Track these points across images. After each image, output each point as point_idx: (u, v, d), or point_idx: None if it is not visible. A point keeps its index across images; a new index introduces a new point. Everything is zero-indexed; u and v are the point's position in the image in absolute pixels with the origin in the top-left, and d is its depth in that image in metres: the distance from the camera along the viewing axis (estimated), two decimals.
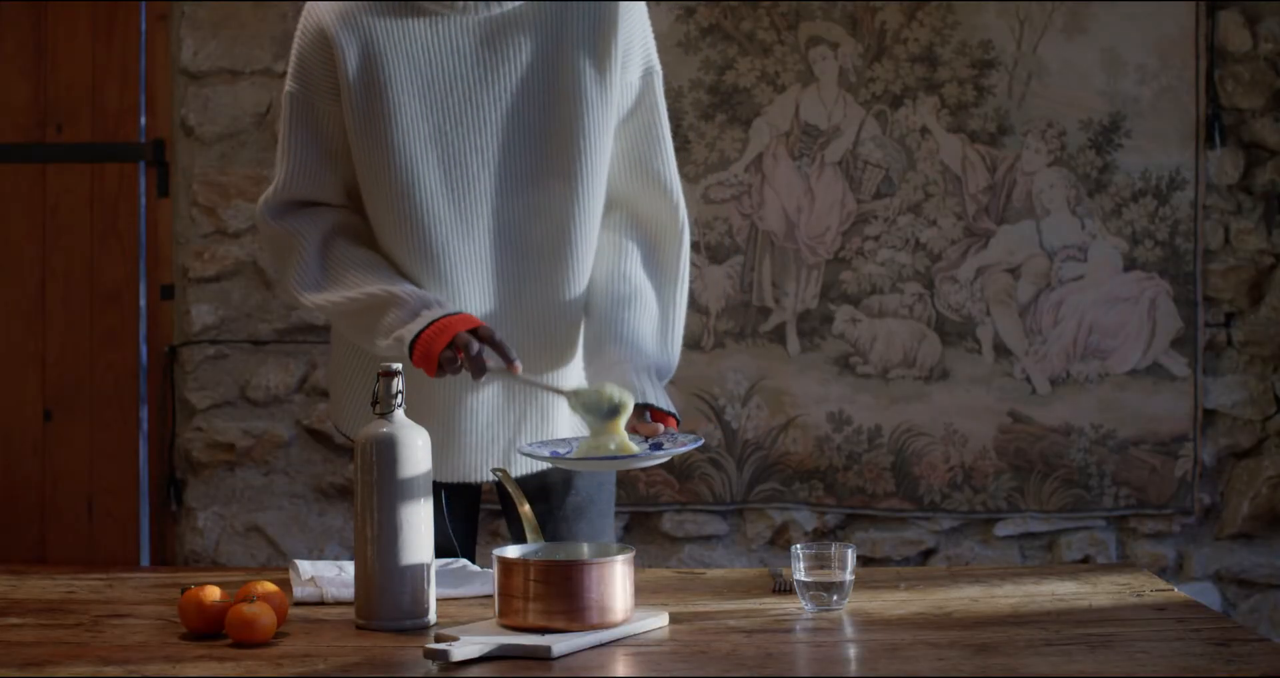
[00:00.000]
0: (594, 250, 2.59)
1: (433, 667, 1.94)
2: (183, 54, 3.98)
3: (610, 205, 2.62)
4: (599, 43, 2.51)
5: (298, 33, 2.53)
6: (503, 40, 2.49)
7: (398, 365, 2.18)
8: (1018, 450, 3.88)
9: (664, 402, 2.45)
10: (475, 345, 2.35)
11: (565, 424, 2.61)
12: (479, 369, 2.35)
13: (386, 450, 2.14)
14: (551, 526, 2.64)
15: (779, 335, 3.88)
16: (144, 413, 3.99)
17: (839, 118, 3.87)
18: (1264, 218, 3.89)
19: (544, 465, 2.60)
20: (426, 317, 2.39)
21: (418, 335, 2.37)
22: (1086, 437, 3.87)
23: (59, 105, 3.97)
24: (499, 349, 2.36)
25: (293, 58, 2.53)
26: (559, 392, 2.39)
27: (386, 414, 2.16)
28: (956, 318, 3.88)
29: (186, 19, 3.98)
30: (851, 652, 2.05)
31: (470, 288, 2.51)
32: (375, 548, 2.13)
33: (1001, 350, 3.88)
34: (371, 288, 2.46)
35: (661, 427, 2.42)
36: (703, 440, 2.38)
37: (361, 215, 2.57)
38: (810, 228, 3.88)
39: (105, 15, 3.96)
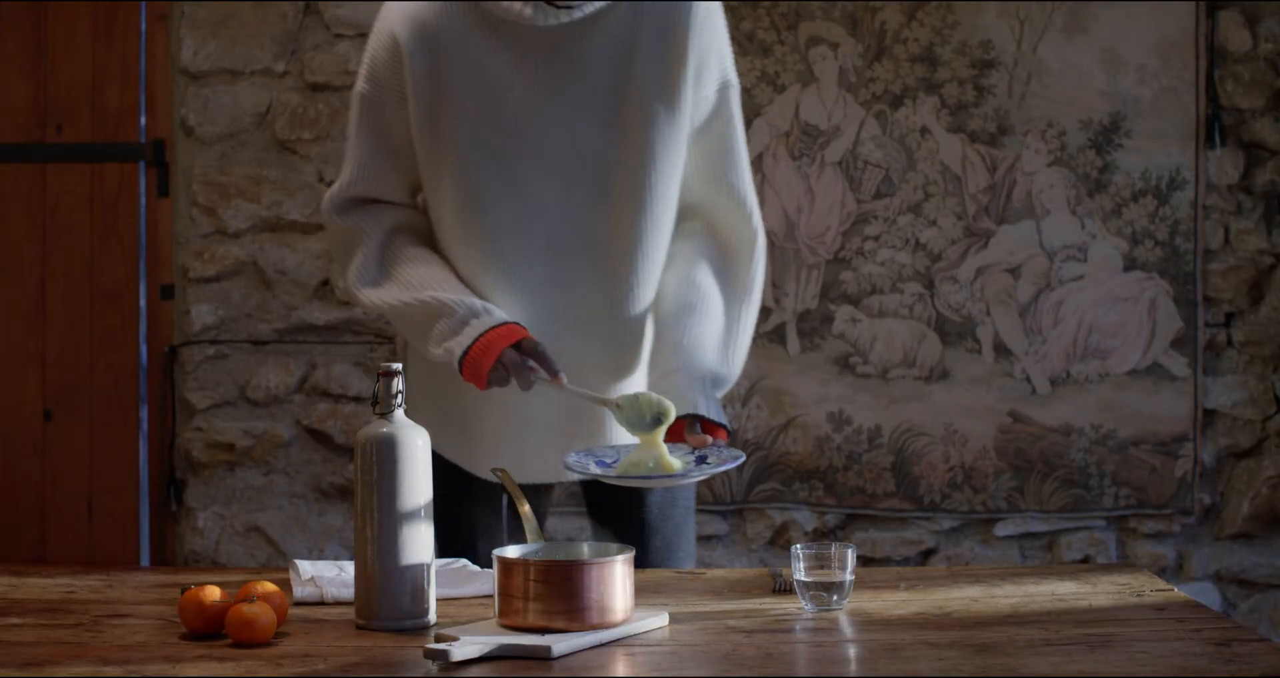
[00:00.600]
0: (660, 264, 2.58)
1: (433, 667, 1.94)
2: (183, 54, 3.98)
3: (685, 213, 2.61)
4: (671, 58, 2.50)
5: (372, 33, 2.55)
6: (572, 50, 2.49)
7: (397, 366, 2.18)
8: (1018, 450, 3.88)
9: (715, 413, 2.45)
10: (521, 361, 2.38)
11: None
12: (526, 383, 2.39)
13: (386, 450, 2.14)
14: (629, 539, 2.61)
15: (779, 335, 3.88)
16: (144, 413, 3.99)
17: (839, 118, 3.87)
18: (1264, 218, 3.89)
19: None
20: (474, 328, 2.42)
21: (466, 352, 2.40)
22: (1086, 437, 3.87)
23: (59, 105, 3.97)
24: (543, 362, 2.39)
25: (365, 58, 2.55)
26: (603, 402, 2.39)
27: (386, 414, 2.16)
28: (956, 318, 3.88)
29: (186, 19, 3.98)
30: (851, 652, 2.05)
31: (529, 297, 2.52)
32: (375, 548, 2.13)
33: (1001, 350, 3.88)
34: (423, 294, 2.48)
35: (709, 439, 2.41)
36: (743, 457, 2.38)
37: (424, 214, 2.59)
38: (810, 228, 3.88)
39: (105, 15, 3.96)
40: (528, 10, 2.45)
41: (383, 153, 2.54)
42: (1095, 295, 3.87)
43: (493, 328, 2.41)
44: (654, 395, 2.34)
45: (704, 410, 2.43)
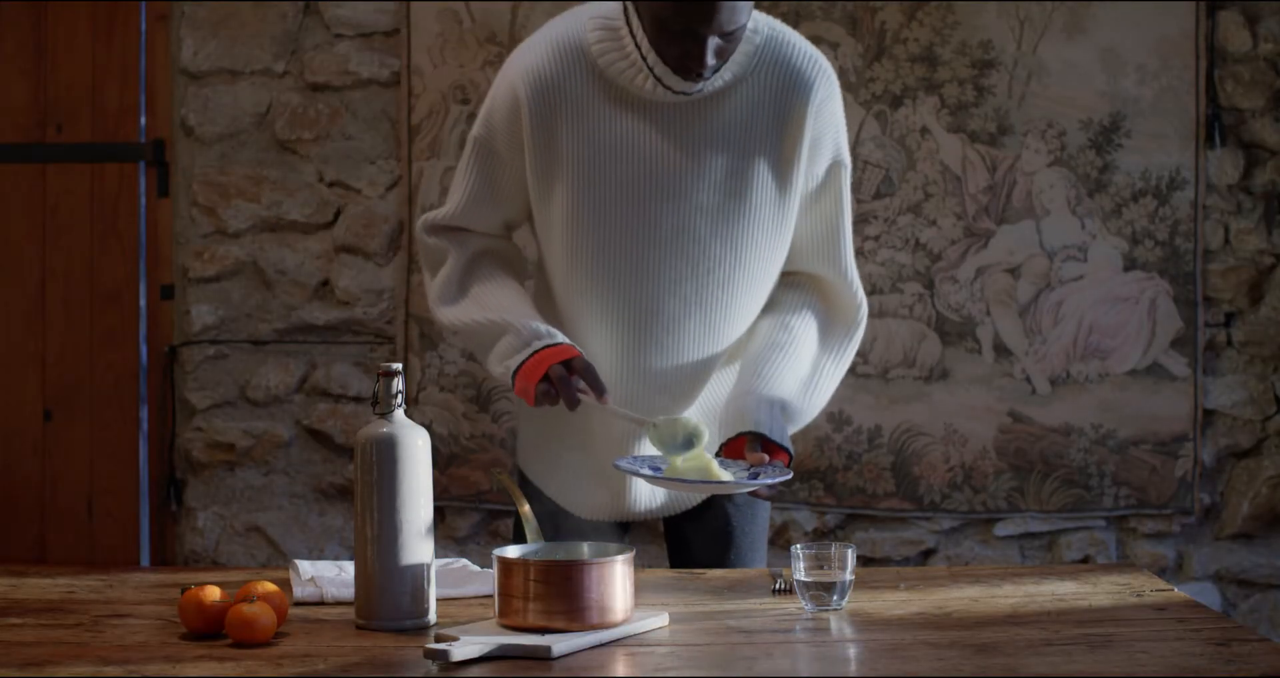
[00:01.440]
0: (744, 332, 2.65)
1: (433, 667, 1.94)
2: (183, 54, 3.98)
3: (793, 272, 2.68)
4: (787, 138, 2.56)
5: (496, 80, 2.61)
6: (689, 124, 2.54)
7: (397, 366, 2.18)
8: (1018, 450, 3.88)
9: (778, 435, 2.49)
10: (567, 377, 2.43)
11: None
12: (570, 399, 2.43)
13: (386, 450, 2.14)
14: (701, 552, 2.71)
15: None
16: (144, 413, 3.99)
17: None
18: (1264, 218, 3.89)
19: (697, 498, 2.69)
20: (531, 348, 2.48)
21: (518, 368, 2.47)
22: (1086, 437, 3.87)
23: (59, 105, 3.97)
24: (590, 380, 2.44)
25: (485, 104, 2.62)
26: (641, 422, 2.42)
27: (386, 414, 2.16)
28: (956, 318, 3.88)
29: (186, 19, 3.98)
30: (851, 652, 2.05)
31: (611, 355, 2.59)
32: (375, 548, 2.13)
33: (1001, 350, 3.88)
34: (494, 314, 2.56)
35: (766, 457, 2.44)
36: (790, 474, 2.41)
37: (512, 243, 2.69)
38: None
39: (105, 15, 3.96)
40: (647, 85, 2.50)
41: (487, 194, 2.62)
42: (1095, 295, 3.87)
43: (549, 347, 2.48)
44: (690, 419, 2.38)
45: (766, 430, 2.48)
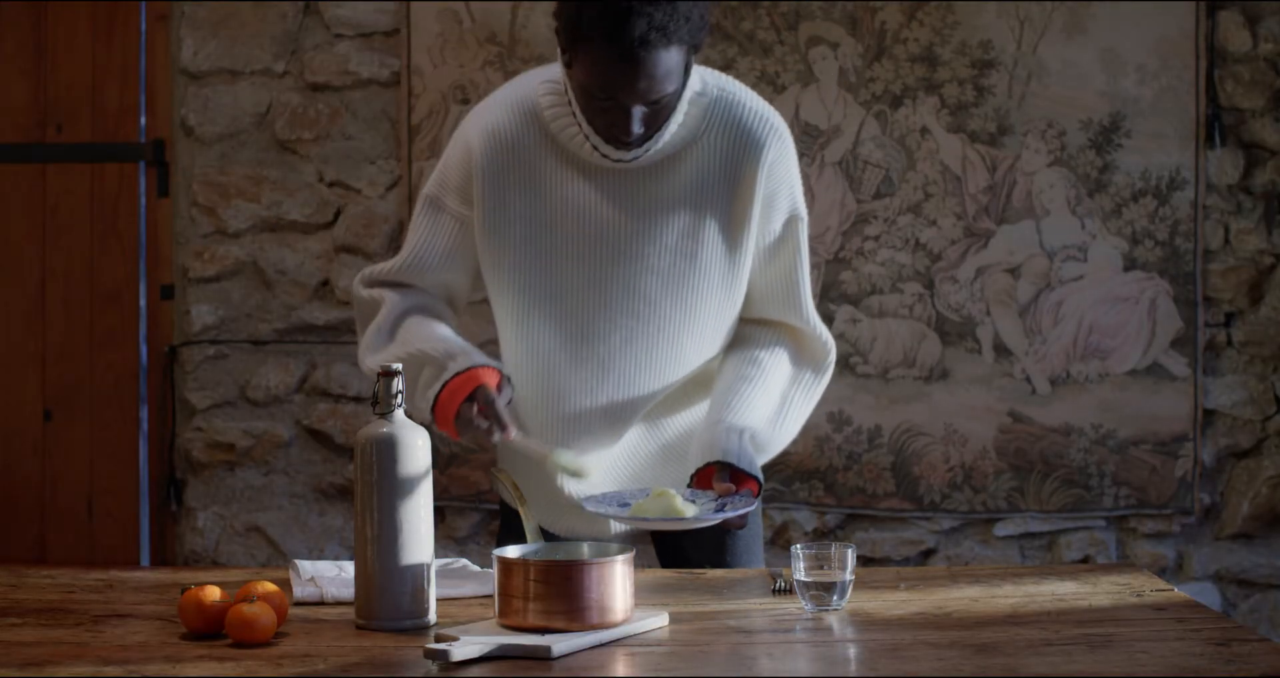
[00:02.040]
0: (705, 382, 2.66)
1: (433, 667, 1.94)
2: (183, 54, 3.98)
3: (758, 315, 2.68)
4: (738, 198, 2.56)
5: (452, 139, 2.60)
6: (641, 187, 2.54)
7: (397, 366, 2.18)
8: (1018, 450, 3.88)
9: (746, 463, 2.49)
10: (473, 418, 2.39)
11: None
12: (486, 442, 2.41)
13: (386, 450, 2.14)
14: (696, 559, 2.71)
15: None
16: (144, 413, 3.99)
17: (839, 118, 3.87)
18: (1264, 218, 3.89)
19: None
20: (442, 380, 2.44)
21: (434, 404, 2.44)
22: (1086, 437, 3.87)
23: (59, 105, 3.97)
24: (491, 414, 2.39)
25: (441, 161, 2.62)
26: (542, 456, 2.41)
27: (386, 414, 2.16)
28: (956, 318, 3.88)
29: (186, 19, 3.98)
30: (851, 652, 2.05)
31: (558, 404, 2.59)
32: (375, 548, 2.13)
33: (1001, 350, 3.88)
34: (413, 347, 2.53)
35: (733, 488, 2.46)
36: (755, 504, 2.45)
37: (450, 306, 2.68)
38: (810, 228, 3.87)
39: (105, 15, 3.96)
40: (587, 150, 2.50)
41: (433, 252, 2.62)
42: (1095, 295, 3.87)
43: (456, 375, 2.43)
44: (566, 459, 2.39)
45: (734, 459, 2.49)
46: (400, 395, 2.18)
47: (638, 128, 2.44)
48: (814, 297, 2.71)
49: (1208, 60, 3.84)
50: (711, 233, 2.56)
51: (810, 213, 3.88)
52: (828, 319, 3.87)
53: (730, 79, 2.61)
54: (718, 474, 2.49)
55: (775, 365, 2.65)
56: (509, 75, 3.87)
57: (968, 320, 3.88)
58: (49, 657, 1.98)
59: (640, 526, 2.44)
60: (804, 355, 2.68)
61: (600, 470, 2.60)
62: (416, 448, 2.16)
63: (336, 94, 3.96)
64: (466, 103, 3.89)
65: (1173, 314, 3.87)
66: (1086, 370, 3.87)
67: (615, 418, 2.61)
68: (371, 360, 2.56)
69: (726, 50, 3.86)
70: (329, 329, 3.98)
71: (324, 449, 4.00)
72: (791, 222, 2.62)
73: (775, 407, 2.63)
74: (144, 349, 4.00)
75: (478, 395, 2.40)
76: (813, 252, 3.88)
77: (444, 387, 2.43)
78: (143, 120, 3.98)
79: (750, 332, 2.68)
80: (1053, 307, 3.88)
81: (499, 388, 2.42)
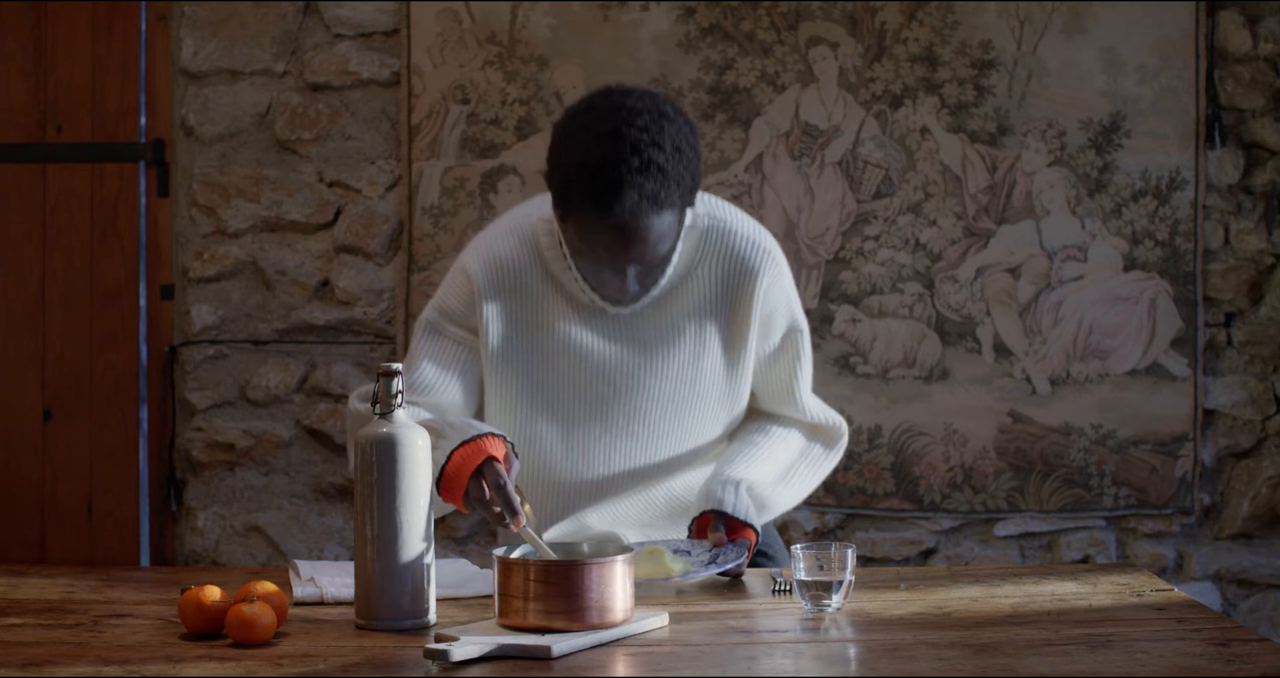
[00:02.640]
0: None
1: (433, 667, 1.94)
2: (183, 54, 3.98)
3: (760, 409, 2.74)
4: (735, 324, 2.60)
5: (451, 269, 2.63)
6: (640, 324, 2.57)
7: (397, 366, 2.18)
8: (1018, 450, 3.88)
9: (741, 512, 2.52)
10: (485, 501, 2.32)
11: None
12: (498, 523, 2.34)
13: (386, 450, 2.14)
14: None
15: None
16: (144, 413, 3.99)
17: (839, 118, 3.87)
18: (1264, 218, 3.89)
19: None
20: (446, 449, 2.37)
21: (438, 481, 2.35)
22: (1086, 437, 3.87)
23: (59, 105, 3.97)
24: (503, 500, 2.31)
25: (440, 289, 2.63)
26: (544, 553, 2.29)
27: (386, 414, 2.16)
28: (956, 318, 3.88)
29: (186, 19, 3.98)
30: (851, 652, 2.05)
31: (576, 507, 2.64)
32: (375, 548, 2.13)
33: (1001, 350, 3.88)
34: (421, 418, 2.48)
35: (724, 538, 2.49)
36: (744, 557, 2.46)
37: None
38: (810, 228, 3.88)
39: (105, 15, 3.96)
40: (586, 298, 2.54)
41: (435, 375, 2.59)
42: (1095, 295, 3.87)
43: (462, 444, 2.35)
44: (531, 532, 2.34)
45: (728, 508, 2.52)
46: (400, 396, 2.18)
47: (634, 287, 2.48)
48: (810, 386, 2.75)
49: (1208, 60, 3.84)
50: (711, 359, 2.60)
51: (810, 213, 3.91)
52: (828, 319, 3.87)
53: (717, 201, 2.64)
54: (711, 524, 2.51)
55: (784, 437, 2.70)
56: (509, 75, 3.87)
57: (968, 320, 3.88)
58: (49, 657, 1.98)
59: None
60: (816, 434, 2.73)
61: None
62: (416, 448, 2.16)
63: (336, 94, 3.96)
64: (466, 103, 3.89)
65: (1173, 314, 3.87)
66: (1086, 370, 3.87)
67: (615, 516, 2.67)
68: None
69: (726, 50, 3.86)
70: (329, 329, 3.98)
71: (324, 449, 4.00)
72: (790, 334, 2.66)
73: (780, 469, 2.67)
74: (144, 349, 3.99)
75: (485, 472, 2.32)
76: (813, 251, 3.89)
77: (449, 458, 2.34)
78: (143, 120, 3.98)
79: (761, 414, 2.75)
80: (1053, 307, 3.88)
81: (506, 461, 2.36)
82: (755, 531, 2.54)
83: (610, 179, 2.33)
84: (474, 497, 2.31)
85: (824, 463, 2.74)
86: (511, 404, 2.60)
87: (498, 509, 2.29)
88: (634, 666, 1.98)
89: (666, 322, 2.58)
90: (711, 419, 2.65)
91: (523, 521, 2.29)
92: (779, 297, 2.63)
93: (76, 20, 3.96)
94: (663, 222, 2.39)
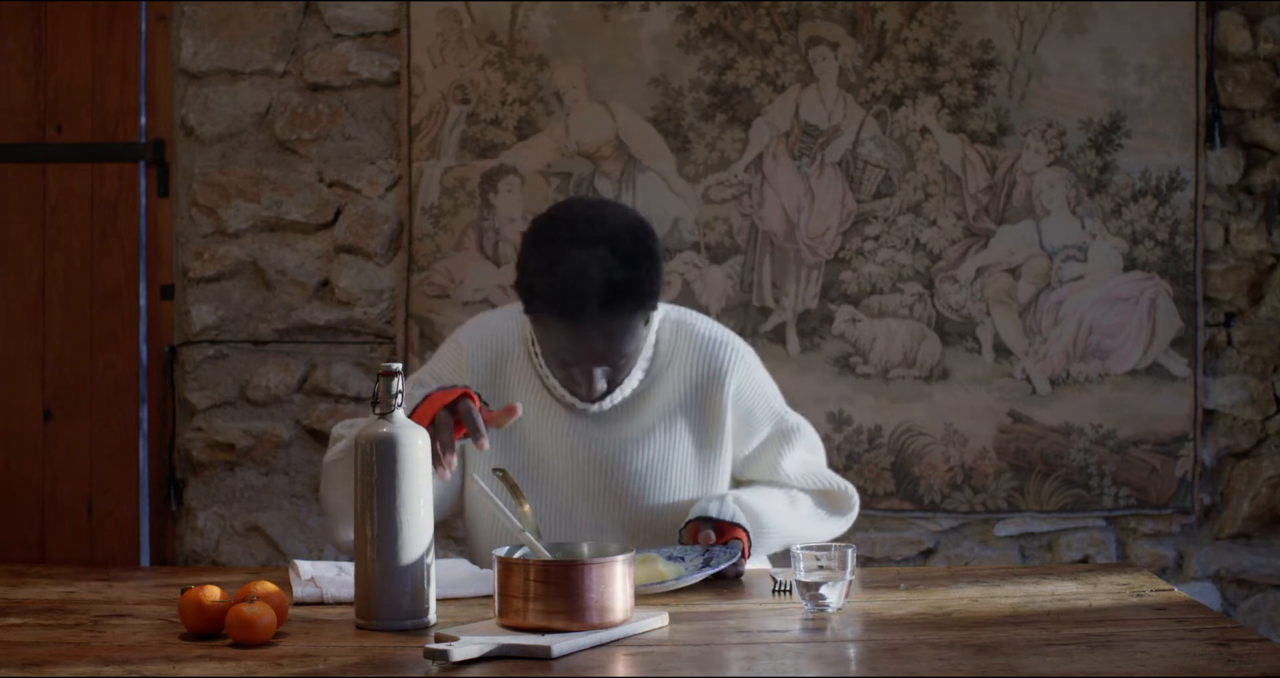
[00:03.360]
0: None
1: (433, 667, 1.94)
2: (183, 54, 3.98)
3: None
4: (709, 422, 2.69)
5: (448, 342, 2.74)
6: (613, 421, 2.65)
7: (397, 365, 2.18)
8: (1018, 450, 3.88)
9: (729, 515, 2.57)
10: (449, 421, 2.38)
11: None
12: (447, 444, 2.36)
13: (386, 450, 2.14)
14: None
15: (779, 335, 3.88)
16: (144, 413, 3.99)
17: (839, 118, 3.87)
18: (1264, 218, 3.89)
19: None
20: (419, 396, 2.50)
21: (411, 414, 2.39)
22: (1086, 437, 3.87)
23: (59, 105, 3.97)
24: (469, 424, 2.38)
25: (439, 358, 2.73)
26: (514, 524, 2.34)
27: (386, 414, 2.16)
28: (956, 318, 3.88)
29: (186, 19, 3.98)
30: (851, 652, 2.05)
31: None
32: (375, 548, 2.13)
33: (1001, 350, 3.88)
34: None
35: (712, 535, 2.54)
36: (737, 556, 2.49)
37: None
38: (810, 228, 3.88)
39: (105, 15, 3.96)
40: (566, 398, 2.63)
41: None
42: (1095, 295, 3.87)
43: (439, 390, 2.43)
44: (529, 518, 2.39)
45: (714, 513, 2.56)
46: (400, 395, 2.18)
47: (600, 386, 2.59)
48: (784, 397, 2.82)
49: (1208, 60, 3.84)
50: (682, 457, 2.68)
51: (810, 213, 3.91)
52: (828, 319, 3.87)
53: (684, 309, 2.77)
54: (700, 527, 2.56)
55: (798, 492, 2.76)
56: (509, 75, 3.88)
57: (968, 320, 3.88)
58: (49, 657, 1.98)
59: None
60: (828, 499, 2.79)
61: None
62: (416, 448, 2.16)
63: (336, 94, 3.96)
64: (466, 103, 3.89)
65: (1173, 314, 3.87)
66: (1086, 370, 3.87)
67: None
68: (331, 455, 2.61)
69: (726, 50, 3.86)
70: (329, 329, 3.99)
71: (324, 449, 4.00)
72: (773, 437, 2.74)
73: (785, 509, 2.71)
74: (144, 349, 3.99)
75: (459, 405, 2.39)
76: (813, 251, 3.89)
77: (426, 397, 2.40)
78: (143, 120, 3.98)
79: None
80: (1053, 307, 3.88)
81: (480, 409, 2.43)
82: (745, 531, 2.56)
83: (571, 289, 2.45)
84: (440, 419, 2.36)
85: (830, 523, 2.79)
86: (474, 489, 2.67)
87: (461, 432, 2.36)
88: (634, 666, 1.98)
89: (638, 421, 2.66)
90: (687, 496, 2.70)
91: (485, 444, 2.37)
92: (754, 393, 2.72)
93: (76, 20, 3.96)
94: (623, 326, 2.51)
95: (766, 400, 2.74)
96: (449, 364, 2.69)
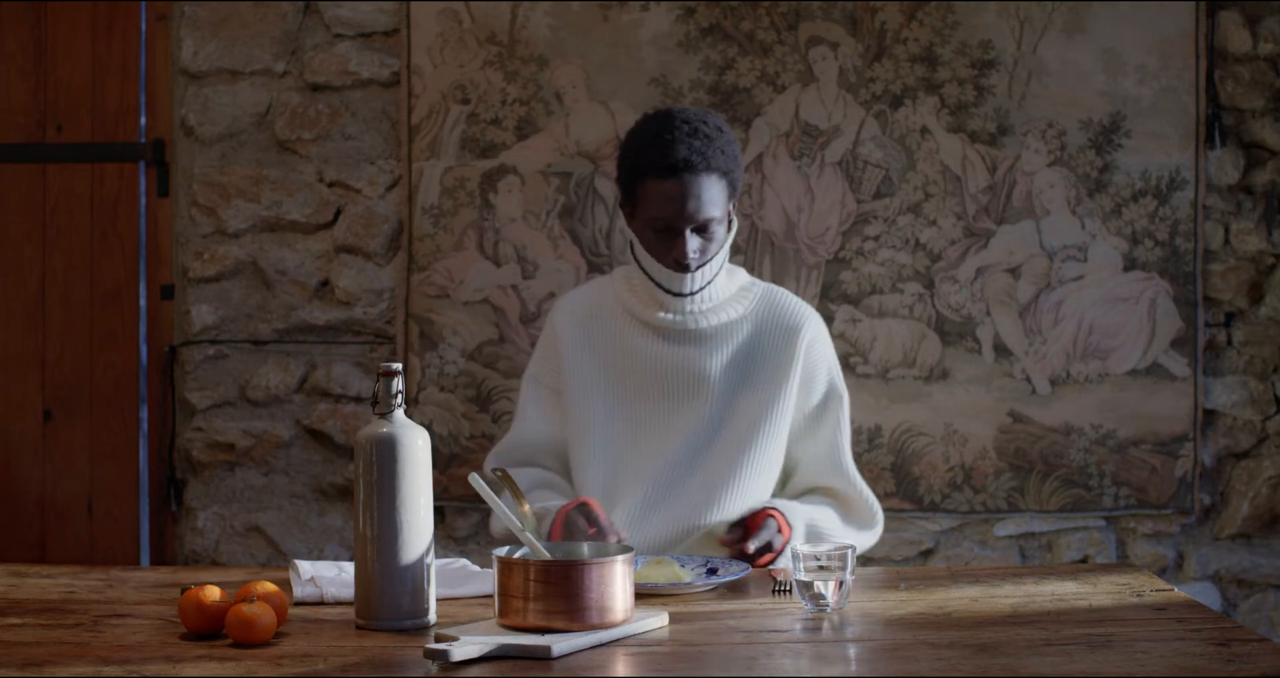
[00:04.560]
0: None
1: (433, 667, 1.94)
2: (183, 54, 3.98)
3: (809, 484, 3.10)
4: (781, 374, 3.04)
5: (549, 317, 3.18)
6: (697, 346, 3.03)
7: (397, 365, 2.19)
8: (1018, 450, 3.88)
9: (775, 504, 2.90)
10: (577, 521, 2.74)
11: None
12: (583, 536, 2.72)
13: (386, 450, 2.14)
14: None
15: None
16: (144, 413, 3.99)
17: (839, 118, 3.87)
18: (1264, 218, 3.89)
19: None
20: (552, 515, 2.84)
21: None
22: (1086, 437, 3.87)
23: (59, 105, 3.97)
24: (591, 522, 2.73)
25: (540, 340, 3.19)
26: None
27: (386, 414, 2.17)
28: (956, 318, 3.88)
29: (186, 19, 3.98)
30: (851, 652, 2.05)
31: (624, 513, 2.99)
32: (375, 548, 2.13)
33: (1001, 350, 3.88)
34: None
35: (736, 536, 2.79)
36: (746, 569, 2.58)
37: (566, 476, 3.10)
38: (810, 228, 3.88)
39: (105, 15, 3.96)
40: (657, 314, 3.03)
41: (541, 424, 3.11)
42: (1095, 295, 3.87)
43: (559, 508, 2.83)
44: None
45: (760, 505, 2.90)
46: (400, 395, 2.18)
47: (693, 250, 2.95)
48: (850, 455, 3.12)
49: (1208, 60, 3.84)
50: (756, 403, 3.01)
51: (810, 213, 3.91)
52: (828, 319, 3.87)
53: (772, 285, 3.17)
54: (729, 530, 2.83)
55: (822, 501, 3.08)
56: (509, 76, 3.88)
57: (968, 320, 3.88)
58: (49, 657, 1.98)
59: (646, 591, 2.48)
60: (852, 516, 3.08)
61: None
62: (416, 448, 2.16)
63: (336, 94, 3.96)
64: (466, 103, 3.89)
65: (1173, 314, 3.87)
66: (1086, 370, 3.87)
67: (671, 534, 2.98)
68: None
69: (726, 50, 3.86)
70: (329, 329, 3.99)
71: (324, 449, 4.00)
72: (830, 398, 3.08)
73: (817, 516, 3.00)
74: (144, 349, 3.99)
75: (586, 510, 2.75)
76: (813, 251, 3.89)
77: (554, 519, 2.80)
78: (143, 120, 3.98)
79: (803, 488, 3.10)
80: (1053, 307, 3.87)
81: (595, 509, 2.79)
82: (778, 513, 2.83)
83: (665, 141, 2.94)
84: (572, 521, 2.73)
85: (857, 541, 3.04)
86: (588, 420, 3.04)
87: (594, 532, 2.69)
88: (634, 666, 1.98)
89: (718, 353, 3.03)
90: (750, 446, 3.01)
91: (614, 538, 2.66)
92: (821, 355, 3.09)
93: (76, 20, 3.96)
94: (711, 183, 2.96)
95: (830, 368, 3.10)
96: (548, 346, 3.13)
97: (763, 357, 3.03)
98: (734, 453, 2.99)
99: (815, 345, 3.08)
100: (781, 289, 3.15)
